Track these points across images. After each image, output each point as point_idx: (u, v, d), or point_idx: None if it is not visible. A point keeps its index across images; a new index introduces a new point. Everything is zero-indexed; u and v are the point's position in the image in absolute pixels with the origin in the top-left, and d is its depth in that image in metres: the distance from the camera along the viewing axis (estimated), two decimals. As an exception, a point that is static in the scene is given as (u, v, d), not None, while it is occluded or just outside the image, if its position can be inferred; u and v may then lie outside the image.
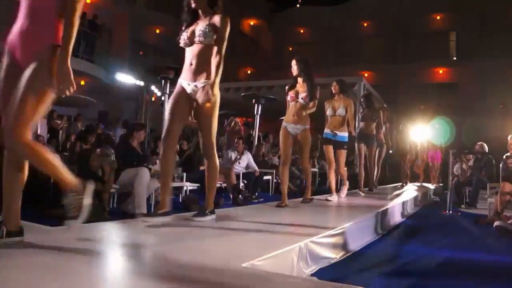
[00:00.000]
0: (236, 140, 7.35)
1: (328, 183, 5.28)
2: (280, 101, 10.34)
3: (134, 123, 5.26)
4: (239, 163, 6.95)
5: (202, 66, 2.79)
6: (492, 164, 7.07)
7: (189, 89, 2.82)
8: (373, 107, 7.01)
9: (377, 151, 7.14)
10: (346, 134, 5.10)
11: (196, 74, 2.80)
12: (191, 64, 2.82)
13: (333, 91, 5.23)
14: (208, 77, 2.76)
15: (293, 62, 4.30)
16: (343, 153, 5.16)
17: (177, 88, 2.89)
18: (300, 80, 4.32)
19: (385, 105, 13.86)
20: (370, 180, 6.97)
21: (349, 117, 5.07)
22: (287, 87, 4.43)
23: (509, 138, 5.89)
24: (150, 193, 4.93)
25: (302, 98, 4.23)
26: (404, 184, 8.63)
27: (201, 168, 6.19)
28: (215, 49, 2.76)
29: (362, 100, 7.10)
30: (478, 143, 7.43)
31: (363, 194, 6.11)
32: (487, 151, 7.25)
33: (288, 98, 4.36)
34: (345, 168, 5.64)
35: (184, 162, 6.21)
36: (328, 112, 5.22)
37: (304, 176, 4.74)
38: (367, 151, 6.73)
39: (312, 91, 4.21)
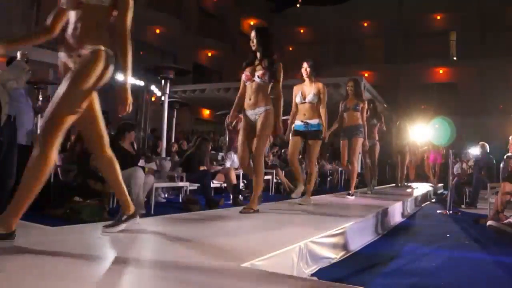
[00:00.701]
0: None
1: (285, 183, 4.97)
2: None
3: (124, 123, 5.21)
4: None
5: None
6: (492, 164, 7.08)
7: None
8: (377, 113, 7.21)
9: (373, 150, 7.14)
10: (318, 121, 4.42)
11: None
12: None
13: (304, 75, 4.51)
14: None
15: (252, 34, 3.66)
16: (317, 145, 4.46)
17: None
18: (259, 55, 3.68)
19: (385, 105, 13.87)
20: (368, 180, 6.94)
21: (322, 104, 4.41)
22: (244, 64, 3.79)
23: (510, 138, 5.89)
24: (149, 189, 4.93)
25: (258, 77, 3.56)
26: (399, 185, 8.44)
27: (201, 168, 6.19)
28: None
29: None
30: (479, 143, 7.43)
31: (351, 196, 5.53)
32: (487, 151, 7.25)
33: (243, 77, 3.70)
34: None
35: (184, 162, 6.20)
36: (297, 99, 4.54)
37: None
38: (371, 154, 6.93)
39: (271, 68, 3.55)
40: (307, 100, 4.44)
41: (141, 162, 5.37)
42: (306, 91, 4.52)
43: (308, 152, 4.56)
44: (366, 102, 5.94)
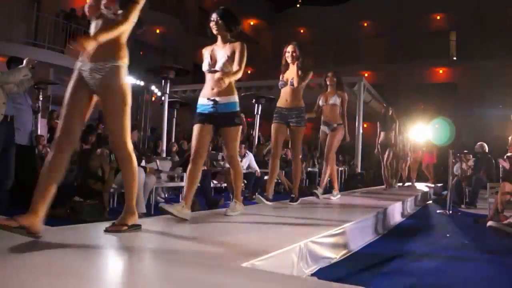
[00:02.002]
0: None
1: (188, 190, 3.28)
2: (280, 101, 10.36)
3: None
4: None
5: None
6: (492, 164, 7.08)
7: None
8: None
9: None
10: (233, 99, 3.18)
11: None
12: None
13: (214, 29, 3.15)
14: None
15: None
16: (234, 132, 3.23)
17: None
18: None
19: (385, 105, 13.88)
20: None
21: (236, 62, 3.09)
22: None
23: (510, 138, 5.89)
24: (150, 190, 4.94)
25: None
26: (387, 187, 7.70)
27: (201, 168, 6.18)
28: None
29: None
30: (478, 143, 7.44)
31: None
32: (487, 151, 7.26)
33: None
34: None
35: (184, 162, 6.19)
36: (204, 65, 3.23)
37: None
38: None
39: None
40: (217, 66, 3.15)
41: (142, 162, 5.38)
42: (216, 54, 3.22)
43: (225, 143, 3.36)
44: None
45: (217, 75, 3.05)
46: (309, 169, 10.38)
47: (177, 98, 11.50)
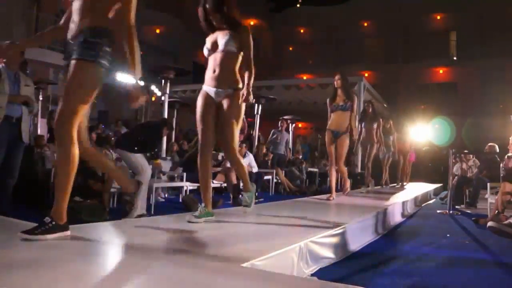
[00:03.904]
0: (239, 144, 7.37)
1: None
2: (280, 101, 10.40)
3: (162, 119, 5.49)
4: None
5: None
6: (497, 165, 7.05)
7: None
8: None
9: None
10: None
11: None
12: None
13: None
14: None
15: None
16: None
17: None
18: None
19: (385, 105, 13.88)
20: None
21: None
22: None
23: (510, 138, 5.89)
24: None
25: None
26: (366, 188, 7.02)
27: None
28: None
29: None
30: (488, 144, 7.37)
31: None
32: (498, 151, 7.21)
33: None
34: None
35: (185, 162, 6.20)
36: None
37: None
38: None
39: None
40: None
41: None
42: None
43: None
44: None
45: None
46: (309, 169, 10.39)
47: (177, 98, 11.50)
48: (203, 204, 2.94)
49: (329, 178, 5.61)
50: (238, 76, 2.97)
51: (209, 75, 3.00)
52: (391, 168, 8.52)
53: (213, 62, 2.97)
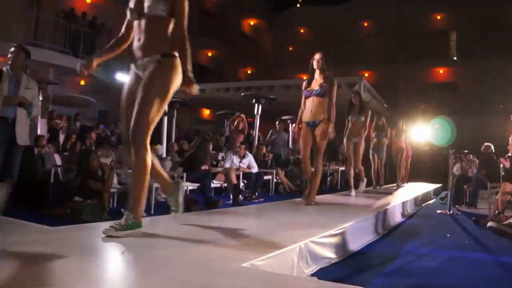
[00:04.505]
0: (238, 144, 7.39)
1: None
2: (280, 101, 10.40)
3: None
4: (239, 166, 6.99)
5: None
6: (496, 165, 7.06)
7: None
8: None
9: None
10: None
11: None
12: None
13: None
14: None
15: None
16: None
17: None
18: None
19: (385, 105, 13.88)
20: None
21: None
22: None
23: (510, 138, 5.89)
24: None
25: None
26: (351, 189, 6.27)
27: (202, 167, 6.19)
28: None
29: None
30: (484, 144, 7.39)
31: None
32: (493, 151, 7.23)
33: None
34: None
35: (185, 162, 6.20)
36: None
37: None
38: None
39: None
40: None
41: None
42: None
43: None
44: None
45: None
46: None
47: (177, 98, 11.49)
48: (127, 212, 2.30)
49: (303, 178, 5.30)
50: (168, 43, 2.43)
51: (134, 45, 2.48)
52: (389, 168, 8.43)
53: (137, 29, 2.44)
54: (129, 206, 2.37)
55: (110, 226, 2.21)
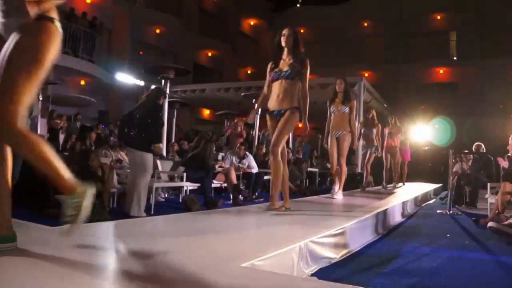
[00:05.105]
0: (238, 145, 7.43)
1: None
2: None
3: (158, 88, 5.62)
4: (239, 166, 7.00)
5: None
6: (492, 164, 7.07)
7: None
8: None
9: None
10: None
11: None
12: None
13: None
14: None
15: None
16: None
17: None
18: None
19: (385, 105, 13.88)
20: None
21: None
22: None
23: (510, 138, 5.89)
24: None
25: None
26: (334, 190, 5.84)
27: (205, 165, 6.19)
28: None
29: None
30: (475, 144, 7.43)
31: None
32: (484, 151, 7.24)
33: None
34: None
35: (187, 161, 6.19)
36: None
37: None
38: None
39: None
40: None
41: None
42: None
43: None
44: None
45: None
46: (309, 169, 10.40)
47: (177, 98, 11.50)
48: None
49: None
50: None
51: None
52: (375, 167, 8.24)
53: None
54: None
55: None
